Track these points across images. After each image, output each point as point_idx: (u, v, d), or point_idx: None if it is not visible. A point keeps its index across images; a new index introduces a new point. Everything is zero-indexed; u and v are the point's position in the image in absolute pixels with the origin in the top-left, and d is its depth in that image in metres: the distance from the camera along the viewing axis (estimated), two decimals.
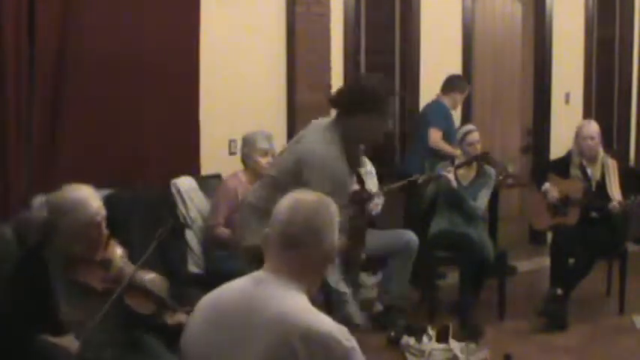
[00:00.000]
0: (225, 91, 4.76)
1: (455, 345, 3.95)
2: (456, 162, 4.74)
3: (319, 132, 3.14)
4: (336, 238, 1.78)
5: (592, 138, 4.77)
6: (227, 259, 3.85)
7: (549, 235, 5.22)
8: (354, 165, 3.23)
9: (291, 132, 5.05)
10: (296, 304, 1.67)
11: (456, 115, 5.64)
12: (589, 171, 4.80)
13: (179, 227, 4.15)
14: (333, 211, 1.78)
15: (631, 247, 5.15)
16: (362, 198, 3.95)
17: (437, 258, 4.68)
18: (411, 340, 4.04)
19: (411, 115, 5.67)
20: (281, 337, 1.60)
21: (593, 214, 4.74)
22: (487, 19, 6.21)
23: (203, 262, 4.24)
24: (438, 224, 4.67)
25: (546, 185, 4.85)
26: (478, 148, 4.72)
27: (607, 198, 4.65)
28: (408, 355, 4.00)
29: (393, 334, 4.18)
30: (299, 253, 1.73)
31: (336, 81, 5.23)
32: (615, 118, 7.10)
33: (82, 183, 2.73)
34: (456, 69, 5.77)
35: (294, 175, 3.04)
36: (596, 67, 6.91)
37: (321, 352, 1.60)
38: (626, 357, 4.15)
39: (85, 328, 2.53)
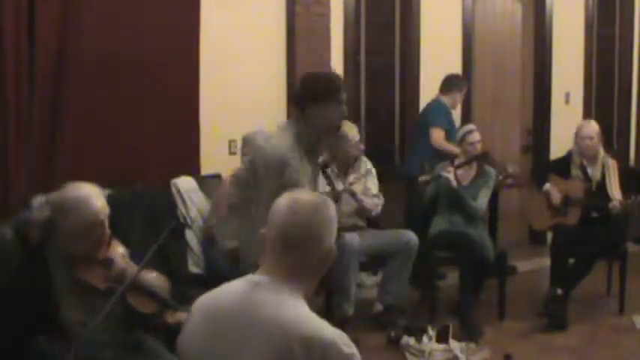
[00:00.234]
0: (225, 91, 4.76)
1: (455, 345, 3.96)
2: (456, 162, 4.73)
3: (276, 131, 3.22)
4: (333, 239, 1.75)
5: (591, 138, 4.77)
6: None
7: (549, 235, 5.22)
8: (313, 158, 3.27)
9: None
10: (295, 310, 1.65)
11: (456, 115, 5.64)
12: (589, 171, 4.80)
13: (180, 228, 4.16)
14: (331, 212, 1.75)
15: (631, 247, 5.15)
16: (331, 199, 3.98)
17: (437, 258, 4.68)
18: (411, 340, 4.04)
19: (411, 115, 5.67)
20: (280, 344, 1.58)
21: (594, 214, 4.74)
22: (487, 19, 6.21)
23: (203, 262, 4.24)
24: (438, 224, 4.67)
25: (547, 186, 4.85)
26: (478, 148, 4.72)
27: (607, 198, 4.65)
28: (408, 355, 4.00)
29: (393, 334, 4.18)
30: (297, 255, 1.70)
31: None
32: (615, 118, 7.10)
33: (81, 182, 2.72)
34: (456, 69, 5.77)
35: (253, 173, 3.16)
36: (596, 67, 6.91)
37: (321, 359, 1.58)
38: (626, 357, 4.16)
39: (88, 327, 2.53)
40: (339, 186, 4.41)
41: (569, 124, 5.62)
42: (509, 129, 6.55)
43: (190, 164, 4.54)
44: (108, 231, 2.71)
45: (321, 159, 3.41)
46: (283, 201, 1.74)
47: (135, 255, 2.85)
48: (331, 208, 1.76)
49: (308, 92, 3.16)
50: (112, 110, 4.24)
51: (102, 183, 2.83)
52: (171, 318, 2.72)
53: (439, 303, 4.62)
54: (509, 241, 5.74)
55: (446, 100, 5.36)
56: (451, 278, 5.11)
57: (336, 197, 3.90)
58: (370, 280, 5.14)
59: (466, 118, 5.90)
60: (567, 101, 6.67)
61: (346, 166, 4.54)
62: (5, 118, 3.84)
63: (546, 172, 5.01)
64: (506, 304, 4.65)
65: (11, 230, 2.67)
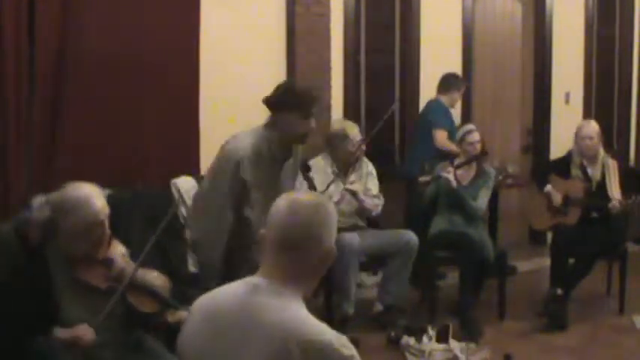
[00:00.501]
0: (225, 91, 4.76)
1: (455, 345, 3.96)
2: (456, 162, 4.73)
3: (247, 133, 3.31)
4: (334, 239, 1.75)
5: (591, 138, 4.77)
6: None
7: (549, 235, 5.22)
8: (281, 162, 3.35)
9: None
10: (293, 312, 1.64)
11: (456, 114, 5.64)
12: (589, 171, 4.80)
13: (179, 226, 4.15)
14: (331, 212, 1.74)
15: (631, 247, 5.16)
16: None
17: (437, 258, 4.68)
18: (411, 340, 4.04)
19: (411, 116, 5.67)
20: (279, 347, 1.57)
21: (594, 214, 4.74)
22: (487, 19, 6.21)
23: None
24: (438, 224, 4.67)
25: (548, 187, 4.85)
26: (478, 148, 4.72)
27: (607, 198, 4.65)
28: (408, 355, 4.00)
29: (393, 334, 4.18)
30: (297, 256, 1.68)
31: (336, 81, 5.24)
32: (615, 118, 7.09)
33: (82, 182, 2.72)
34: (456, 69, 5.76)
35: (212, 171, 3.30)
36: (596, 67, 6.91)
37: None
38: (626, 357, 4.16)
39: (91, 327, 2.54)
40: (340, 186, 4.41)
41: (569, 124, 5.62)
42: (509, 129, 6.55)
43: (190, 164, 4.54)
44: (108, 231, 2.71)
45: (307, 162, 3.49)
46: (282, 201, 1.72)
47: (134, 255, 2.85)
48: (331, 208, 1.75)
49: (280, 99, 3.26)
50: (112, 110, 4.24)
51: (102, 183, 2.83)
52: (171, 317, 2.72)
53: (439, 303, 4.62)
54: (509, 241, 5.73)
55: (444, 99, 5.36)
56: (451, 278, 5.11)
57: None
58: (370, 280, 5.14)
59: (466, 118, 5.90)
60: (567, 101, 6.67)
61: (347, 165, 4.54)
62: (5, 118, 3.84)
63: (546, 172, 5.01)
64: (506, 304, 4.65)
65: (11, 230, 2.67)
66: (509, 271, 5.02)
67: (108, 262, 2.70)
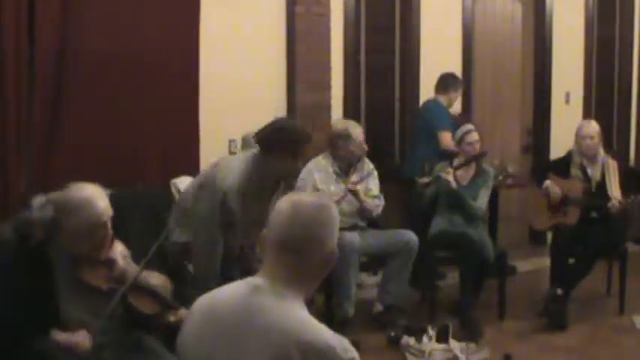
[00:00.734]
0: (225, 91, 4.76)
1: (455, 345, 3.95)
2: (455, 163, 4.73)
3: (237, 164, 3.36)
4: (335, 241, 1.73)
5: (591, 138, 4.77)
6: None
7: (549, 235, 5.22)
8: (267, 193, 3.40)
9: None
10: (294, 314, 1.63)
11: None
12: (589, 171, 4.80)
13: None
14: (334, 214, 1.73)
15: (631, 247, 5.15)
16: None
17: (437, 258, 4.68)
18: (411, 340, 4.04)
19: (411, 115, 5.67)
20: (278, 348, 1.57)
21: (593, 214, 4.74)
22: (487, 19, 6.21)
23: None
24: (438, 224, 4.67)
25: (547, 182, 4.84)
26: (477, 148, 4.72)
27: (607, 198, 4.64)
28: (408, 355, 4.00)
29: (393, 334, 4.18)
30: (298, 257, 1.67)
31: (336, 81, 5.24)
32: (615, 118, 7.09)
33: (84, 182, 2.72)
34: (456, 69, 5.76)
35: (196, 197, 3.34)
36: (596, 67, 6.91)
37: None
38: (626, 357, 4.16)
39: (91, 328, 2.53)
40: (341, 186, 4.41)
41: (569, 124, 5.62)
42: (509, 129, 6.55)
43: (190, 164, 4.54)
44: (111, 232, 2.71)
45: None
46: (285, 203, 1.71)
47: (134, 255, 2.85)
48: (334, 210, 1.74)
49: (269, 139, 3.29)
50: (112, 110, 4.24)
51: (102, 183, 2.83)
52: (173, 317, 2.72)
53: (439, 303, 4.62)
54: (509, 241, 5.74)
55: (442, 99, 5.34)
56: (451, 278, 5.11)
57: None
58: (370, 280, 5.14)
59: (466, 118, 5.89)
60: (567, 101, 6.67)
61: (349, 165, 4.53)
62: (5, 118, 3.84)
63: (546, 171, 5.01)
64: (506, 304, 4.65)
65: (11, 230, 2.66)
66: (509, 271, 5.02)
67: (110, 263, 2.69)
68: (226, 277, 2.94)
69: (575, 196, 4.76)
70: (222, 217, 3.26)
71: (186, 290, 3.05)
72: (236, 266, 3.33)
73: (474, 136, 4.71)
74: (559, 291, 4.51)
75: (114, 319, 2.62)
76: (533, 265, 5.84)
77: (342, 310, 4.30)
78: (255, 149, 3.49)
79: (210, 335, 1.68)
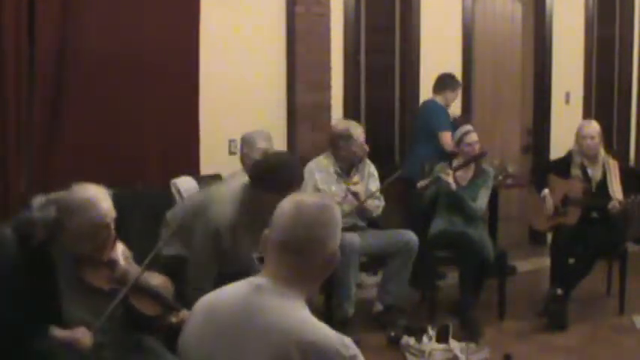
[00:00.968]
0: (225, 91, 4.76)
1: (455, 345, 3.95)
2: (454, 163, 4.73)
3: (229, 193, 3.33)
4: (338, 242, 1.73)
5: (592, 137, 4.77)
6: None
7: (549, 235, 5.22)
8: (254, 229, 3.34)
9: (290, 132, 5.06)
10: (295, 314, 1.63)
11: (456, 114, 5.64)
12: (589, 171, 4.80)
13: None
14: (336, 215, 1.73)
15: (631, 247, 5.15)
16: None
17: (437, 258, 4.68)
18: (411, 340, 4.04)
19: (411, 115, 5.67)
20: (279, 348, 1.57)
21: (594, 214, 4.74)
22: (487, 19, 6.21)
23: None
24: (438, 224, 4.67)
25: (545, 192, 4.84)
26: (476, 149, 4.72)
27: (607, 198, 4.65)
28: (408, 355, 4.00)
29: (393, 334, 4.18)
30: (300, 258, 1.67)
31: (336, 81, 5.24)
32: (615, 118, 7.09)
33: (87, 183, 2.72)
34: (456, 69, 5.76)
35: (188, 230, 3.28)
36: (596, 67, 6.91)
37: None
38: (626, 357, 4.16)
39: (92, 328, 2.53)
40: (342, 186, 4.41)
41: (569, 124, 5.62)
42: (509, 129, 6.55)
43: (190, 164, 4.54)
44: (113, 233, 2.71)
45: None
46: (288, 203, 1.72)
47: (134, 255, 2.85)
48: (336, 211, 1.74)
49: (260, 176, 3.25)
50: (112, 110, 4.24)
51: (102, 183, 2.83)
52: (174, 318, 2.72)
53: (439, 303, 4.62)
54: (509, 241, 5.74)
55: (439, 99, 5.34)
56: (451, 278, 5.11)
57: None
58: (370, 280, 5.14)
59: (466, 118, 5.89)
60: (567, 101, 6.67)
61: (350, 165, 4.53)
62: (5, 118, 3.84)
63: (545, 174, 5.00)
64: (506, 304, 4.65)
65: (11, 230, 2.66)
66: (509, 271, 5.02)
67: (112, 264, 2.69)
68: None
69: (575, 196, 4.76)
70: (216, 249, 3.25)
71: (187, 291, 3.06)
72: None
73: (473, 137, 4.71)
74: (559, 291, 4.51)
75: (114, 319, 2.62)
76: (533, 265, 5.84)
77: (342, 310, 4.30)
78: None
79: (210, 335, 1.68)
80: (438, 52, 5.73)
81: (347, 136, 4.44)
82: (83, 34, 4.10)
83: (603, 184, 4.75)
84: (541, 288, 4.93)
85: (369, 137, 4.64)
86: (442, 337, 3.98)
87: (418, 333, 4.07)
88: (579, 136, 4.83)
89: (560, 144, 5.99)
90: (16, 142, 3.88)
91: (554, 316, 4.45)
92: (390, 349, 4.12)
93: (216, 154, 4.72)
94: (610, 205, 4.58)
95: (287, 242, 1.67)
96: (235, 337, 1.63)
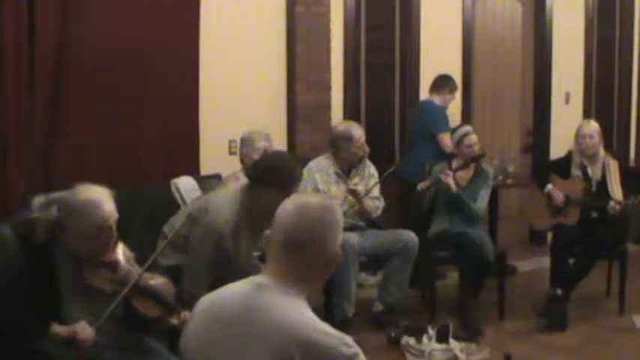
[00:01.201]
0: (225, 91, 4.76)
1: (455, 345, 3.96)
2: (454, 164, 4.72)
3: (228, 197, 3.33)
4: (339, 243, 1.74)
5: (591, 136, 4.76)
6: None
7: (549, 235, 5.22)
8: (256, 229, 3.32)
9: (290, 132, 5.06)
10: (296, 313, 1.64)
11: (456, 114, 5.64)
12: (590, 171, 4.80)
13: None
14: (338, 216, 1.74)
15: (631, 247, 5.14)
16: None
17: (437, 258, 4.68)
18: (411, 340, 4.04)
19: (411, 116, 5.66)
20: (279, 347, 1.58)
21: (594, 214, 4.74)
22: (487, 19, 6.21)
23: None
24: (438, 224, 4.67)
25: (549, 187, 4.84)
26: (476, 150, 4.71)
27: (608, 198, 4.64)
28: (408, 355, 4.00)
29: (393, 334, 4.18)
30: (301, 258, 1.68)
31: (336, 81, 5.24)
32: (615, 118, 7.09)
33: (89, 183, 2.71)
34: (456, 69, 5.77)
35: (186, 238, 3.30)
36: (596, 67, 6.91)
37: None
38: (626, 357, 4.16)
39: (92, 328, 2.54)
40: (341, 187, 4.41)
41: (569, 124, 5.62)
42: (509, 129, 6.55)
43: (190, 164, 4.54)
44: (115, 234, 2.70)
45: None
46: (290, 204, 1.73)
47: (136, 256, 2.85)
48: (338, 211, 1.75)
49: (260, 175, 3.26)
50: (112, 110, 4.24)
51: (102, 183, 2.83)
52: (176, 320, 2.72)
53: (439, 303, 4.62)
54: (509, 241, 5.74)
55: (437, 99, 5.33)
56: (451, 278, 5.11)
57: None
58: (370, 280, 5.14)
59: (466, 118, 5.89)
60: (567, 101, 6.67)
61: (350, 166, 4.53)
62: (5, 118, 3.84)
63: (546, 172, 5.00)
64: (506, 304, 4.65)
65: (11, 230, 2.66)
66: (509, 271, 5.02)
67: (113, 265, 2.69)
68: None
69: (575, 196, 4.75)
70: (216, 256, 3.24)
71: (185, 291, 3.06)
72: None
73: (473, 139, 4.70)
74: (559, 291, 4.51)
75: (115, 319, 2.62)
76: (533, 265, 5.84)
77: (342, 310, 4.30)
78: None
79: (212, 334, 1.68)
80: (438, 52, 5.73)
81: (347, 137, 4.44)
82: (83, 33, 4.10)
83: (603, 183, 4.75)
84: (541, 288, 4.92)
85: (369, 137, 4.64)
86: (442, 337, 3.99)
87: (418, 333, 4.07)
88: (579, 135, 4.82)
89: (560, 144, 5.99)
90: (16, 142, 3.88)
91: (554, 316, 4.45)
92: (390, 349, 4.12)
93: (216, 154, 4.72)
94: (609, 208, 4.58)
95: (289, 242, 1.68)
96: (236, 335, 1.64)
